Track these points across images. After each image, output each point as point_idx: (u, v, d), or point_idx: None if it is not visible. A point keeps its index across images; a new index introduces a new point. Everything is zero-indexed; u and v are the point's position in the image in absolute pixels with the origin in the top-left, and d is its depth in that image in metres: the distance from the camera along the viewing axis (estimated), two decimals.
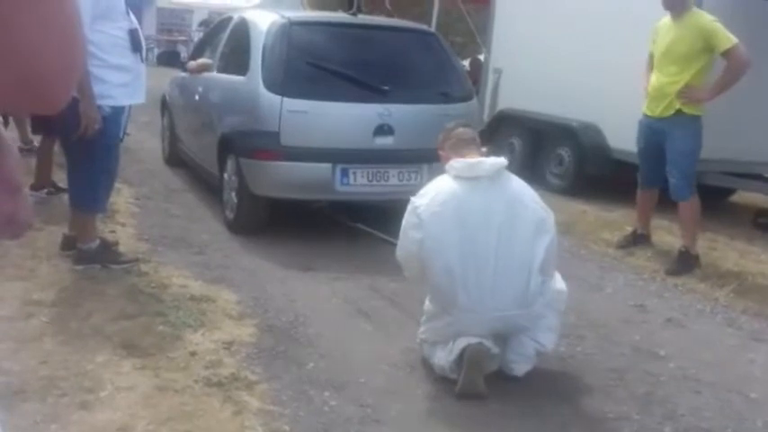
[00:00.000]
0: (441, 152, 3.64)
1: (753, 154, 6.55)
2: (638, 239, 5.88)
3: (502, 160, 3.44)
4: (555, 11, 8.27)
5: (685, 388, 3.54)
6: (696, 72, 5.20)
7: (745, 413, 3.33)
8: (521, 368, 3.43)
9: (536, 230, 3.31)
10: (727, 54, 5.11)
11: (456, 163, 3.41)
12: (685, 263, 5.35)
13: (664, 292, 4.96)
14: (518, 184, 3.45)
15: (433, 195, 3.33)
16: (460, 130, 3.65)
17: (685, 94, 5.21)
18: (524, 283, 3.25)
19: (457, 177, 3.37)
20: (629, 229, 6.03)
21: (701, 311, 4.64)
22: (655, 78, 5.41)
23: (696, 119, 5.29)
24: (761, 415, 3.31)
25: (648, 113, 5.50)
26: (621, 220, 6.73)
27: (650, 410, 3.28)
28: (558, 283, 3.54)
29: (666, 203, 7.20)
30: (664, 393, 3.46)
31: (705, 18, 5.18)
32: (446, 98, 5.68)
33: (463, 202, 3.28)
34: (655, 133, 5.46)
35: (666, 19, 5.43)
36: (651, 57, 5.60)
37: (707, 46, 5.15)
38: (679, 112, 5.26)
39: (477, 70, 10.74)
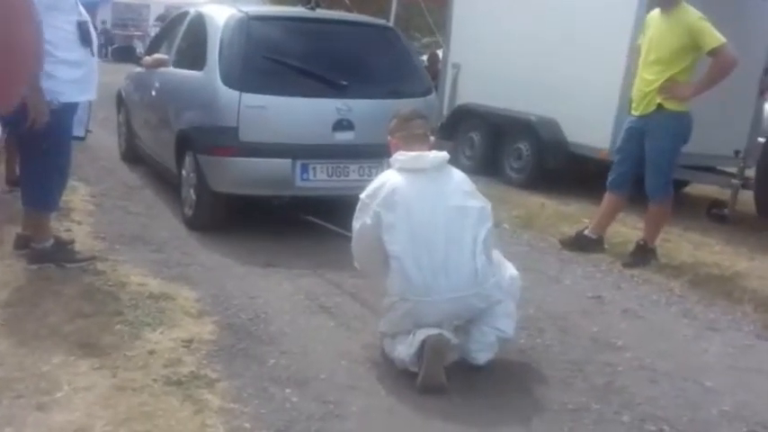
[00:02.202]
0: (390, 138, 3.68)
1: (706, 147, 6.67)
2: (585, 241, 5.66)
3: (444, 154, 3.56)
4: (513, 6, 8.34)
5: (642, 378, 3.60)
6: (681, 70, 5.11)
7: (700, 402, 3.40)
8: (483, 356, 3.49)
9: (479, 218, 3.43)
10: (714, 53, 5.01)
11: (401, 156, 3.53)
12: (642, 256, 5.40)
13: (621, 283, 5.04)
14: (459, 177, 3.57)
15: (380, 187, 3.45)
16: (416, 122, 3.67)
17: (667, 88, 5.12)
18: (473, 264, 3.34)
19: (401, 170, 3.49)
20: (576, 230, 5.89)
21: (657, 302, 4.72)
22: (639, 77, 5.31)
23: (678, 115, 5.17)
24: (716, 403, 3.38)
25: (633, 113, 5.38)
26: (579, 213, 6.82)
27: (608, 400, 3.34)
28: (511, 269, 3.63)
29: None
30: (621, 383, 3.51)
31: (693, 15, 5.05)
32: (405, 93, 5.66)
33: (409, 192, 3.39)
34: (636, 132, 5.33)
35: (656, 12, 5.30)
36: (639, 50, 5.45)
37: (693, 44, 5.05)
38: (660, 107, 5.15)
39: (436, 65, 10.79)
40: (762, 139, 7.28)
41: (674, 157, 5.31)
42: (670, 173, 5.36)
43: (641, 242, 5.46)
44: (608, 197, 5.65)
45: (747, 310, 4.63)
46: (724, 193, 7.28)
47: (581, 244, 5.69)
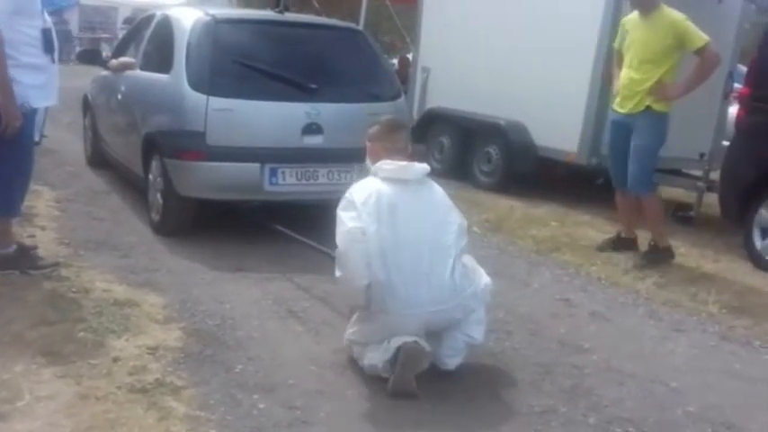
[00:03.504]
0: (369, 144, 3.67)
1: (672, 149, 6.75)
2: (622, 243, 5.79)
3: (426, 166, 3.59)
4: (482, 10, 8.37)
5: (609, 379, 3.63)
6: (667, 69, 5.26)
7: (666, 403, 3.43)
8: (453, 362, 3.51)
9: (459, 232, 3.48)
10: (700, 52, 5.18)
11: (386, 165, 3.50)
12: (655, 257, 5.48)
13: (588, 286, 5.07)
14: (440, 191, 3.61)
15: (366, 196, 3.40)
16: (400, 134, 3.69)
17: (656, 91, 5.26)
18: (453, 276, 3.36)
19: (386, 179, 3.47)
20: (614, 233, 5.97)
21: (624, 304, 4.76)
22: (625, 76, 5.42)
23: (663, 116, 5.36)
24: (681, 404, 3.42)
25: (618, 109, 5.52)
26: (547, 216, 6.87)
27: (576, 402, 3.35)
28: (484, 277, 3.64)
29: (592, 198, 7.41)
30: (588, 385, 3.54)
31: (676, 16, 5.21)
32: (374, 97, 5.67)
33: (395, 202, 3.39)
34: (624, 129, 5.48)
35: (634, 15, 5.45)
36: (617, 53, 5.62)
37: (678, 43, 5.21)
38: (648, 108, 5.31)
39: (406, 69, 10.81)
40: (726, 143, 7.37)
41: (654, 151, 5.48)
42: (650, 167, 5.53)
43: (651, 243, 5.57)
44: (617, 197, 5.81)
45: (712, 311, 4.69)
46: (689, 196, 7.37)
47: (617, 246, 5.79)
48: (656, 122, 5.37)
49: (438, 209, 3.51)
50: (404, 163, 3.52)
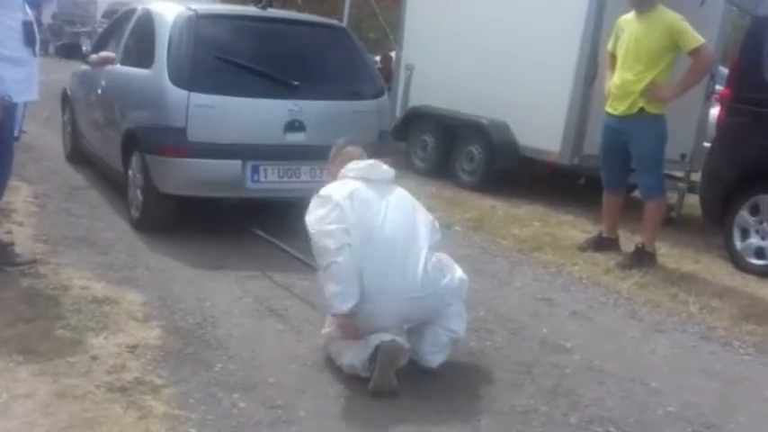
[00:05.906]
0: (332, 167, 3.75)
1: None
2: (603, 243, 5.80)
3: (393, 170, 3.69)
4: (466, 9, 8.37)
5: (590, 379, 3.63)
6: (661, 70, 5.23)
7: (646, 402, 3.44)
8: (436, 359, 3.51)
9: (431, 228, 3.55)
10: (694, 53, 5.17)
11: (354, 165, 3.59)
12: (640, 259, 5.47)
13: (570, 285, 5.08)
14: (406, 193, 3.68)
15: (337, 188, 3.45)
16: (349, 148, 3.76)
17: (649, 92, 5.23)
18: (426, 267, 3.38)
19: (355, 178, 3.53)
20: (595, 232, 5.99)
21: (605, 304, 4.78)
22: (618, 76, 5.39)
23: (659, 118, 5.32)
24: (661, 404, 3.43)
25: (611, 112, 5.48)
26: (529, 215, 6.88)
27: (556, 402, 3.36)
28: (459, 272, 3.64)
29: (573, 198, 7.43)
30: (569, 385, 3.54)
31: (672, 16, 5.20)
32: (357, 94, 5.66)
33: (366, 197, 3.44)
34: (617, 133, 5.46)
35: (629, 15, 5.42)
36: (612, 55, 5.57)
37: (673, 44, 5.19)
38: (642, 110, 5.27)
39: (389, 67, 10.78)
40: (707, 144, 7.42)
41: (660, 155, 5.45)
42: (660, 171, 5.53)
43: (639, 245, 5.53)
44: (605, 197, 5.82)
45: (692, 311, 4.72)
46: (670, 197, 7.40)
47: (598, 246, 5.79)
48: (654, 126, 5.33)
49: (406, 206, 3.56)
50: (372, 161, 3.61)
